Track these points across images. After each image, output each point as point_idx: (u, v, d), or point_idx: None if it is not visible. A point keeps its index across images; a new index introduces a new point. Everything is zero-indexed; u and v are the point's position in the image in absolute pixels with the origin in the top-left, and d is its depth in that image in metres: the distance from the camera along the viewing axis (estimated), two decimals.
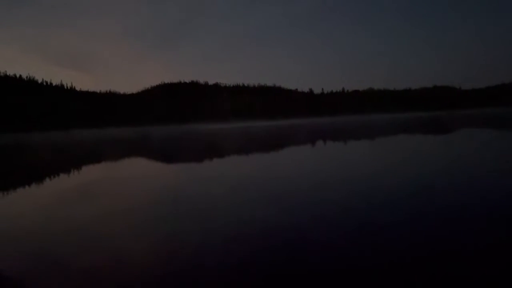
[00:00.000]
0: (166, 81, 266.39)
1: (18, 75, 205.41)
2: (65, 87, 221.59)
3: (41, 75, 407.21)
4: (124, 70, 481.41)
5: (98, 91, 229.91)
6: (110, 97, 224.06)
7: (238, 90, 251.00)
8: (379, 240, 5.13)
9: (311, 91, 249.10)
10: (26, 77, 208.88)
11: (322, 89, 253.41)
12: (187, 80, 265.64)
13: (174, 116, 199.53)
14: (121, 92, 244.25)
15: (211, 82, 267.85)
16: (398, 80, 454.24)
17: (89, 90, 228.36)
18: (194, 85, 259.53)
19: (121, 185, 13.23)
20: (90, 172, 18.00)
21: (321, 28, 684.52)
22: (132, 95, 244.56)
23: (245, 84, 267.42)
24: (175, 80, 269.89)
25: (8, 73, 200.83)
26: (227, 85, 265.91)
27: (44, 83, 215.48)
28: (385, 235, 5.33)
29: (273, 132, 52.78)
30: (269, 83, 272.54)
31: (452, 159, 13.60)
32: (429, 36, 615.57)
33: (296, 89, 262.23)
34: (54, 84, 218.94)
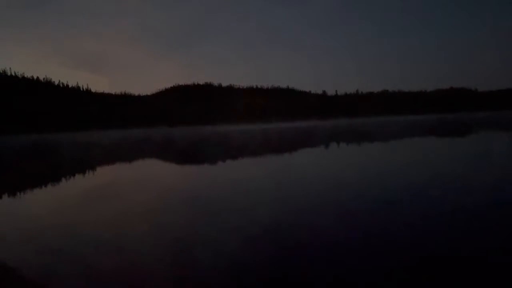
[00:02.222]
0: (180, 83, 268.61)
1: (35, 77, 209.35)
2: (81, 89, 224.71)
3: (57, 77, 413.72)
4: (139, 72, 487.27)
5: (113, 93, 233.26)
6: (125, 98, 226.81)
7: (252, 92, 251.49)
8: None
9: (324, 93, 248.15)
10: (43, 78, 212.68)
11: (336, 91, 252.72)
12: (201, 82, 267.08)
13: (188, 118, 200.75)
14: (136, 93, 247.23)
15: (224, 84, 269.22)
16: (413, 82, 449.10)
17: (104, 92, 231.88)
18: (208, 87, 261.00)
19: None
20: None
21: (335, 30, 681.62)
22: (146, 96, 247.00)
23: (259, 86, 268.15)
24: (189, 82, 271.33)
25: (25, 75, 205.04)
26: (241, 86, 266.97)
27: (61, 85, 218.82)
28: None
29: (293, 134, 52.84)
30: (282, 85, 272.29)
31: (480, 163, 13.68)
32: (444, 37, 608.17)
33: (310, 91, 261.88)
34: (70, 86, 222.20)
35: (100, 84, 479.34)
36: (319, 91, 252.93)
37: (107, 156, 28.02)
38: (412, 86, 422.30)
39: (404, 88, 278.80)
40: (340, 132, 50.17)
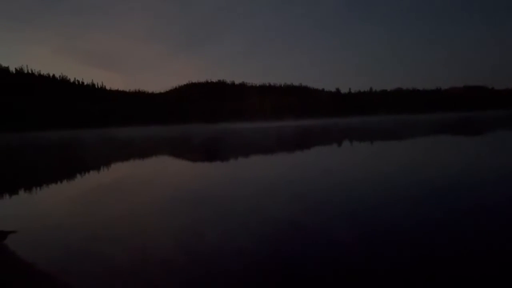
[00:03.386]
0: (193, 81, 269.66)
1: (51, 75, 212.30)
2: (96, 86, 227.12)
3: (73, 75, 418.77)
4: (152, 69, 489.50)
5: (127, 90, 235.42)
6: (140, 96, 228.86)
7: (265, 90, 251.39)
8: None
9: (338, 90, 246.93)
10: (59, 76, 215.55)
11: (349, 88, 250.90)
12: (214, 79, 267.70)
13: (202, 115, 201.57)
14: (150, 91, 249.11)
15: (237, 82, 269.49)
16: (427, 80, 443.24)
17: (119, 89, 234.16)
18: (220, 84, 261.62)
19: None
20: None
21: (348, 27, 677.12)
22: (160, 94, 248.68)
23: (272, 84, 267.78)
24: (202, 79, 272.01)
25: (42, 73, 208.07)
26: (254, 84, 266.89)
27: (76, 82, 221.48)
28: None
29: (314, 132, 52.70)
30: (295, 82, 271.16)
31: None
32: (458, 35, 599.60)
33: (323, 88, 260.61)
34: (85, 83, 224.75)
35: (114, 81, 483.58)
36: (333, 89, 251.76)
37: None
38: (427, 84, 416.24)
39: (418, 86, 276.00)
40: (363, 130, 50.03)
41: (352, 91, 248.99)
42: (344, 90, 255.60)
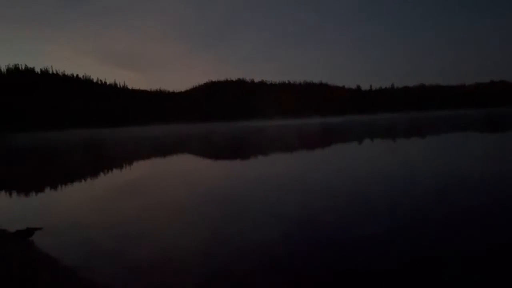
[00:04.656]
0: (213, 79, 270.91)
1: (75, 75, 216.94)
2: (118, 86, 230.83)
3: (95, 74, 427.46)
4: (172, 69, 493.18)
5: (149, 89, 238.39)
6: (161, 95, 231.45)
7: (284, 88, 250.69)
8: None
9: (358, 87, 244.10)
10: (83, 76, 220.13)
11: (371, 85, 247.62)
12: (234, 78, 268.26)
13: (222, 113, 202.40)
14: (170, 90, 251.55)
15: (257, 80, 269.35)
16: (451, 76, 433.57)
17: (141, 89, 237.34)
18: (240, 83, 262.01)
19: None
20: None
21: (368, 23, 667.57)
22: (180, 93, 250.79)
23: (291, 81, 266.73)
24: (221, 78, 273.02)
25: (66, 73, 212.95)
26: (273, 82, 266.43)
27: (99, 82, 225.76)
28: None
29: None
30: (315, 80, 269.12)
31: None
32: (482, 29, 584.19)
33: (343, 85, 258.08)
34: (108, 83, 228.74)
35: (136, 80, 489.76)
36: (353, 86, 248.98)
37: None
38: (450, 80, 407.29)
39: (441, 82, 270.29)
40: (395, 127, 49.22)
41: (373, 88, 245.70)
42: (365, 87, 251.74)
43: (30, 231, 7.18)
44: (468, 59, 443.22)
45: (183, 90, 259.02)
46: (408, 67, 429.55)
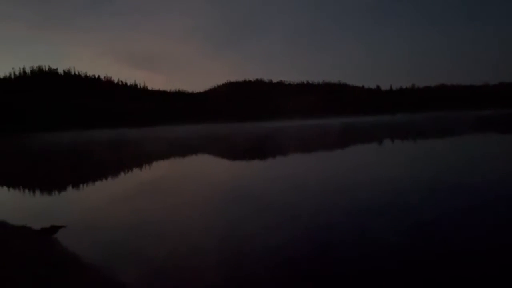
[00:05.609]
0: (231, 80, 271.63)
1: (96, 76, 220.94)
2: (139, 87, 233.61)
3: (116, 75, 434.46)
4: (191, 69, 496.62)
5: (168, 90, 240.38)
6: (180, 95, 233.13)
7: (303, 88, 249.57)
8: None
9: (378, 87, 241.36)
10: (104, 77, 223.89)
11: (391, 85, 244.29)
12: (252, 78, 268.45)
13: (241, 114, 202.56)
14: (189, 91, 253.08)
15: (275, 80, 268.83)
16: (474, 75, 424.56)
17: (160, 89, 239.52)
18: (258, 83, 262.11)
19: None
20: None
21: (387, 22, 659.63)
22: (199, 93, 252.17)
23: (310, 82, 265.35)
24: (240, 78, 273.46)
25: (88, 74, 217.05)
26: (292, 82, 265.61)
27: (120, 83, 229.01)
28: None
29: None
30: (333, 80, 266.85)
31: None
32: (508, 29, 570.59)
33: (363, 85, 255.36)
34: (128, 84, 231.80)
35: (156, 81, 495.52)
36: (373, 86, 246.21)
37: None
38: (473, 80, 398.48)
39: (463, 82, 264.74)
40: (418, 128, 48.25)
41: (393, 88, 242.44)
42: (384, 87, 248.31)
43: (54, 229, 7.40)
44: (492, 58, 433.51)
45: (202, 91, 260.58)
46: (429, 67, 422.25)
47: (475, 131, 33.55)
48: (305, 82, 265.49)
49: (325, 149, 23.99)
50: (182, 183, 12.57)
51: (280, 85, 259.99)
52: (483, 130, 33.71)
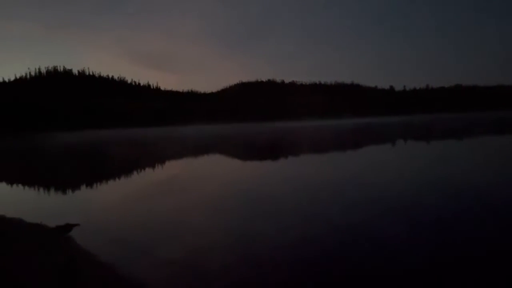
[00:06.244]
0: (243, 80, 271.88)
1: (110, 76, 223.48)
2: (152, 87, 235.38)
3: (129, 76, 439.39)
4: (204, 70, 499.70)
5: (181, 90, 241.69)
6: (193, 95, 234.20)
7: (315, 88, 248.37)
8: None
9: (391, 88, 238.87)
10: (118, 77, 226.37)
11: (404, 86, 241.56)
12: (264, 78, 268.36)
13: (254, 114, 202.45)
14: (202, 91, 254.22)
15: (287, 80, 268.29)
16: (489, 76, 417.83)
17: (173, 90, 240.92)
18: (271, 83, 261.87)
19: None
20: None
21: (401, 23, 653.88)
22: (212, 94, 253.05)
23: (322, 82, 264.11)
24: (252, 79, 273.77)
25: (101, 74, 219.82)
26: (304, 83, 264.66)
27: (133, 83, 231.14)
28: None
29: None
30: (346, 80, 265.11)
31: None
32: None
33: (376, 86, 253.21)
34: (141, 84, 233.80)
35: (168, 81, 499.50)
36: (386, 87, 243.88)
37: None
38: (488, 80, 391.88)
39: (479, 83, 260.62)
40: (436, 129, 47.55)
41: (407, 88, 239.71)
42: (398, 87, 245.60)
43: (68, 227, 7.45)
44: (509, 58, 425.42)
45: (214, 91, 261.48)
46: (444, 68, 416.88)
47: (497, 133, 33.02)
48: (317, 82, 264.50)
49: (348, 151, 23.74)
50: (197, 183, 12.48)
51: (292, 86, 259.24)
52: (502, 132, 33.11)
